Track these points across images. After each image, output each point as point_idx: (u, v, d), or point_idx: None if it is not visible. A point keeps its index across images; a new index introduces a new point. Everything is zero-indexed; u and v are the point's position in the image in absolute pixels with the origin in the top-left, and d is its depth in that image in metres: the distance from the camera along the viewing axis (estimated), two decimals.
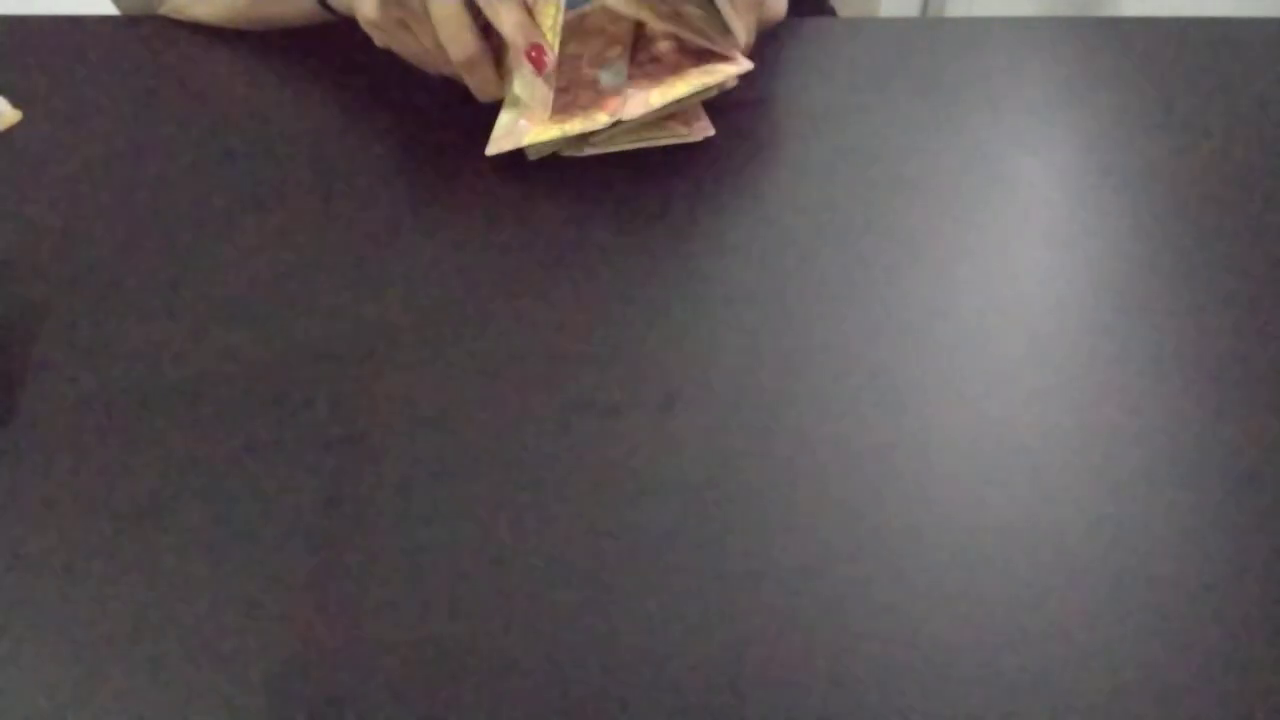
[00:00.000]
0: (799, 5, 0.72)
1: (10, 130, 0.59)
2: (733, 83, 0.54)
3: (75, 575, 0.38)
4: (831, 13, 0.89)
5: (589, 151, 0.54)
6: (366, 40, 0.61)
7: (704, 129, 0.55)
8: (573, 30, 0.55)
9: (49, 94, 0.61)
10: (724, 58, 0.53)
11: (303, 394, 0.43)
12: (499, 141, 0.53)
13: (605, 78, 0.54)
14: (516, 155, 0.55)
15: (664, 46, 0.55)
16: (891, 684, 0.34)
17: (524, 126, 0.53)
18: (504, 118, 0.55)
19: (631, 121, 0.52)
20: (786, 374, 0.43)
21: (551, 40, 0.50)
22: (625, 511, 0.39)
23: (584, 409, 0.42)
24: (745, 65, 0.53)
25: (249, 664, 0.35)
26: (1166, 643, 0.34)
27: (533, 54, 0.50)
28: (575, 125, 0.52)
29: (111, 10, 0.70)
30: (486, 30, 0.53)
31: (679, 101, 0.52)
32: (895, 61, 0.62)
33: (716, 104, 0.55)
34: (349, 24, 0.67)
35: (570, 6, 0.53)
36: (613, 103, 0.52)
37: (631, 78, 0.54)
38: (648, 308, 0.46)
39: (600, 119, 0.52)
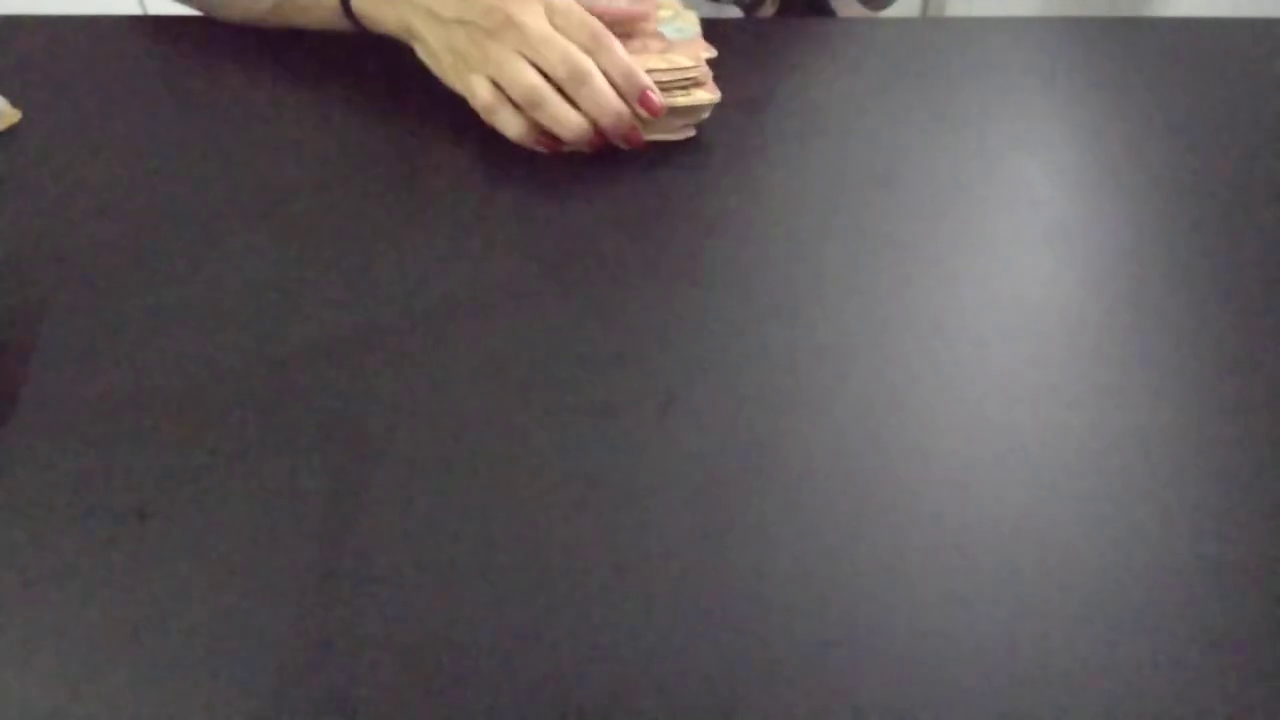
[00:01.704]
0: (799, 5, 0.72)
1: (10, 130, 0.59)
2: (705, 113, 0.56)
3: (75, 575, 0.38)
4: (831, 13, 0.89)
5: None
6: (366, 41, 0.61)
7: (685, 130, 0.56)
8: None
9: (49, 94, 0.61)
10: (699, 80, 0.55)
11: (302, 394, 0.43)
12: None
13: (669, 32, 0.56)
14: (518, 156, 0.55)
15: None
16: (890, 684, 0.34)
17: None
18: None
19: None
20: (786, 374, 0.43)
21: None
22: (625, 511, 0.39)
23: (584, 409, 0.42)
24: (716, 96, 0.55)
25: (249, 664, 0.35)
26: (1166, 643, 0.34)
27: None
28: None
29: (111, 10, 0.70)
30: None
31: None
32: (895, 61, 0.62)
33: (718, 103, 0.55)
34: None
35: None
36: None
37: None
38: (648, 308, 0.46)
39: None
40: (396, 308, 0.47)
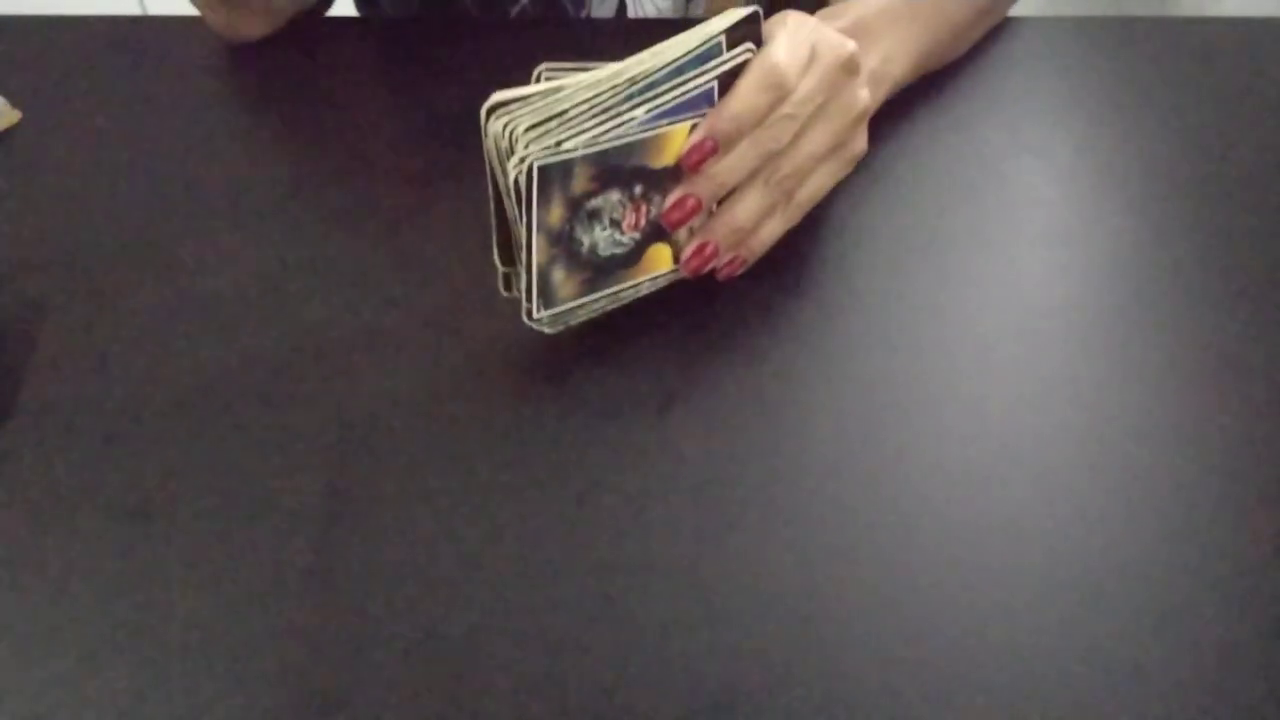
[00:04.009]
0: (798, 5, 0.72)
1: (10, 130, 0.59)
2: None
3: (75, 575, 0.38)
4: None
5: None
6: (366, 40, 0.61)
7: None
8: None
9: (49, 94, 0.61)
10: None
11: (302, 393, 0.43)
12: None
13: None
14: None
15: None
16: (890, 683, 0.34)
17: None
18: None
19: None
20: (785, 374, 0.44)
21: None
22: (625, 511, 0.39)
23: (584, 409, 0.42)
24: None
25: (249, 664, 0.35)
26: (1165, 642, 0.34)
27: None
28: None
29: (111, 10, 0.70)
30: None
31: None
32: None
33: None
34: (348, 24, 0.67)
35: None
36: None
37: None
38: (647, 309, 0.46)
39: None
40: (396, 308, 0.47)
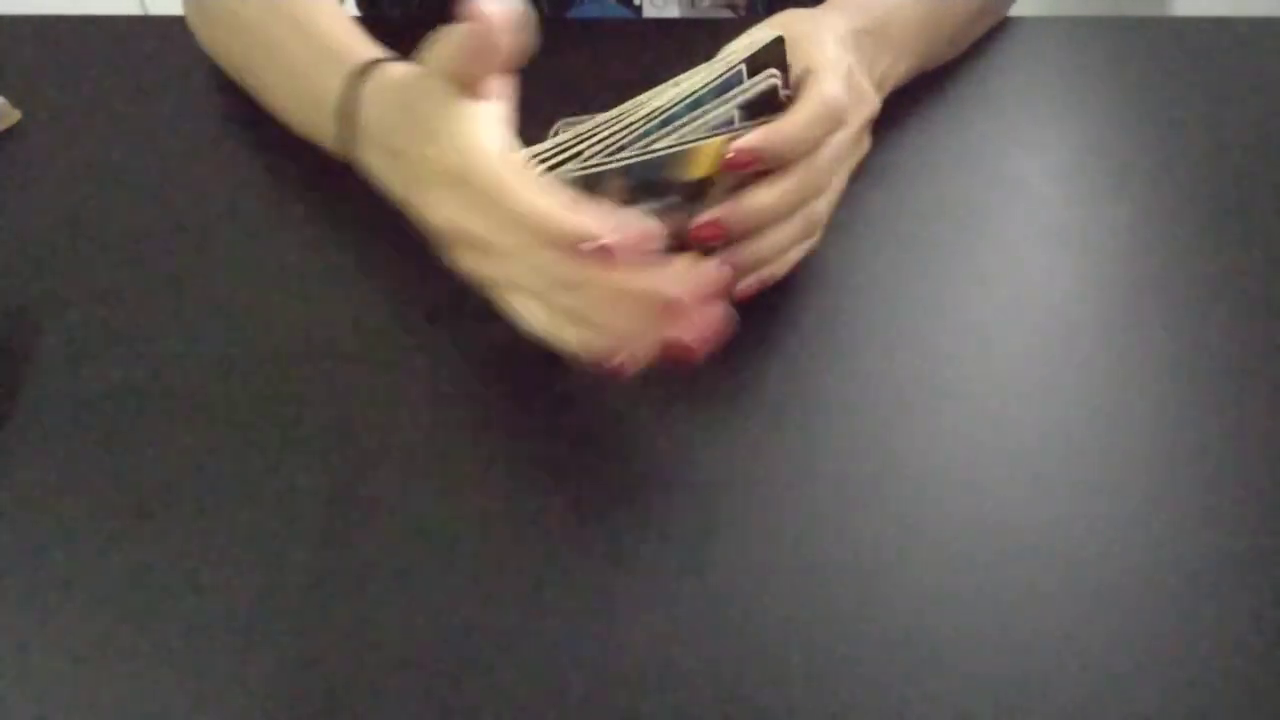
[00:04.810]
0: (798, 5, 0.71)
1: (10, 130, 0.59)
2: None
3: (75, 575, 0.38)
4: None
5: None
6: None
7: None
8: None
9: (49, 94, 0.61)
10: None
11: (302, 393, 0.43)
12: None
13: None
14: None
15: None
16: (888, 683, 0.34)
17: None
18: None
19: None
20: (787, 374, 0.44)
21: None
22: (625, 511, 0.39)
23: (583, 408, 0.42)
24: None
25: (249, 664, 0.35)
26: (1165, 642, 0.34)
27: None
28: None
29: (111, 10, 0.70)
30: None
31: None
32: None
33: None
34: None
35: None
36: None
37: None
38: None
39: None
40: (396, 307, 0.47)
